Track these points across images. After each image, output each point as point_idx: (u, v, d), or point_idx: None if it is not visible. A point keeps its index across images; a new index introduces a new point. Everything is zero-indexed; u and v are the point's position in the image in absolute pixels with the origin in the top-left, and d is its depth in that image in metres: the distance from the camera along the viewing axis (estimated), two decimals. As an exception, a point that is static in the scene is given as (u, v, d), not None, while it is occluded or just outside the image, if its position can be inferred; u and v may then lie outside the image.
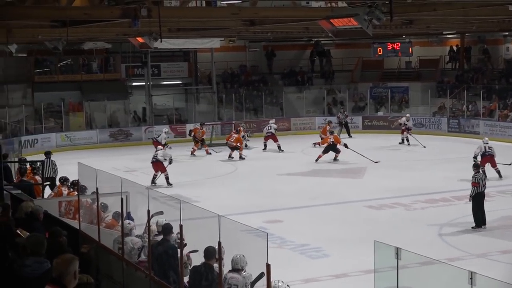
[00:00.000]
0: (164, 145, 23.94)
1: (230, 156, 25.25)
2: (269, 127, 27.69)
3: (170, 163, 20.54)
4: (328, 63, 37.51)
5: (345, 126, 31.29)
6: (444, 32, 32.96)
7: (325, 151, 24.20)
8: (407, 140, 28.11)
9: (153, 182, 20.24)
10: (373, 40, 33.39)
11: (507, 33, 34.28)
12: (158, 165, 20.38)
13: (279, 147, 27.05)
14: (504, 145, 27.16)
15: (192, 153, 26.47)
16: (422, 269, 7.25)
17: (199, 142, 26.82)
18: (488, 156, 20.01)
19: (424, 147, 27.03)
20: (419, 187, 19.33)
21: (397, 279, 6.22)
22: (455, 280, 6.02)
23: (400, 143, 28.29)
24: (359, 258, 11.93)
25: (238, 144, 25.28)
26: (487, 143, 20.14)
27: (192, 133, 27.12)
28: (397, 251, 6.20)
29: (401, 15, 14.83)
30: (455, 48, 37.03)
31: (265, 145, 27.61)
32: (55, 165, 18.51)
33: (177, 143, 28.62)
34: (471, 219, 14.88)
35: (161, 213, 9.96)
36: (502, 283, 6.54)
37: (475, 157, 19.64)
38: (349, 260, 12.79)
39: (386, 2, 9.97)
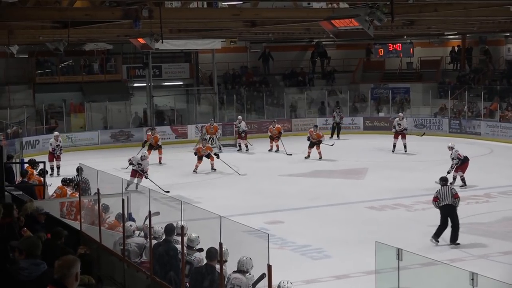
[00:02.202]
0: (51, 152, 22.65)
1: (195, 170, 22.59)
2: (239, 123, 27.86)
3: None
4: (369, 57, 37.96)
5: (336, 126, 30.91)
6: (445, 33, 32.98)
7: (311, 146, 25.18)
8: (404, 146, 25.75)
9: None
10: (374, 41, 33.39)
11: (508, 34, 34.28)
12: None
13: (246, 145, 27.68)
14: (506, 146, 27.17)
15: (160, 162, 24.33)
16: (424, 270, 7.25)
17: (154, 149, 24.35)
18: (468, 161, 19.54)
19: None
20: (420, 187, 19.27)
21: (398, 280, 6.23)
22: (456, 281, 6.03)
23: (405, 151, 25.84)
24: (361, 259, 11.93)
25: (211, 152, 22.90)
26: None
27: (146, 142, 24.73)
28: (398, 252, 6.21)
29: (402, 16, 14.81)
30: (456, 48, 37.04)
31: (240, 146, 27.79)
32: (87, 181, 15.01)
33: (178, 144, 28.76)
34: (472, 220, 14.90)
35: (157, 213, 9.96)
36: (504, 284, 6.53)
37: (459, 159, 19.13)
38: (350, 261, 12.79)
39: (387, 3, 9.96)
